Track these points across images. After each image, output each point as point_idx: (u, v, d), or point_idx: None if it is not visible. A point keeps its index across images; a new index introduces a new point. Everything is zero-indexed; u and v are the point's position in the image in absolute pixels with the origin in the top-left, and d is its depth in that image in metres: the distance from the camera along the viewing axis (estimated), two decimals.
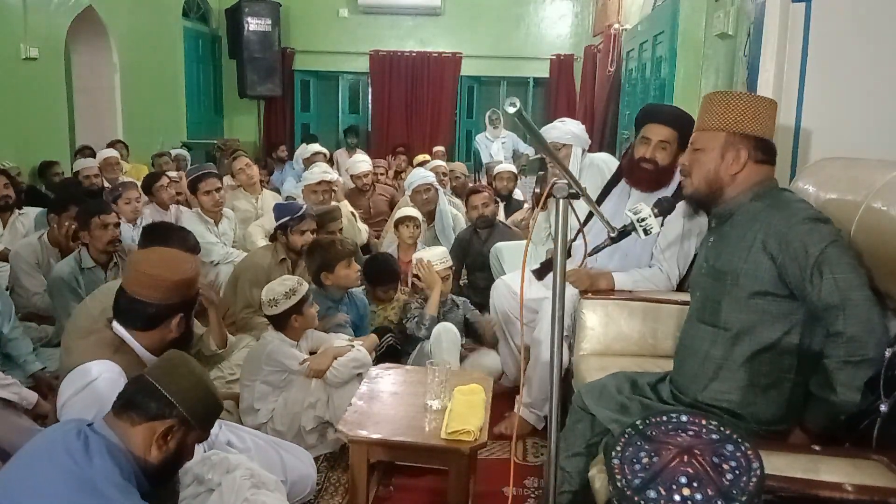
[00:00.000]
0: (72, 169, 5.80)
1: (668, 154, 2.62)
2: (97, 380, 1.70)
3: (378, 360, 2.93)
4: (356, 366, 2.68)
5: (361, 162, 5.50)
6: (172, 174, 5.28)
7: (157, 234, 2.81)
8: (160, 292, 1.84)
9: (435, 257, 3.31)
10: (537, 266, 2.89)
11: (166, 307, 1.86)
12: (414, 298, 3.34)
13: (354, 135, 8.28)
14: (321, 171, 4.60)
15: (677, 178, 2.70)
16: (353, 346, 2.75)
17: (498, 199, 4.76)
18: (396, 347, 3.14)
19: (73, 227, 3.40)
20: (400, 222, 4.07)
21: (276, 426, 2.62)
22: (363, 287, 3.51)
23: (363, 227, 4.72)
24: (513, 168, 5.65)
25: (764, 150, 1.78)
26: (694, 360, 1.84)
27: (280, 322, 2.69)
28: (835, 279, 1.59)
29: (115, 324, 1.87)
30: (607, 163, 3.28)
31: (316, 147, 6.34)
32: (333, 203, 4.43)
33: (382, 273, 3.47)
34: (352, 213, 4.69)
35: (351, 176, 5.44)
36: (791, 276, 1.65)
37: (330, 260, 3.10)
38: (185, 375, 1.53)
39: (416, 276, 3.31)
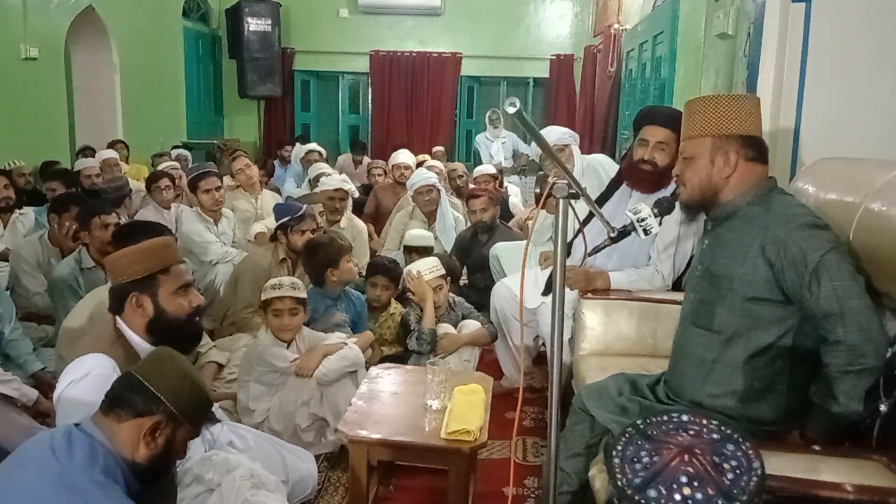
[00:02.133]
0: (72, 169, 5.81)
1: (667, 155, 2.63)
2: (88, 375, 1.70)
3: None
4: (346, 364, 2.68)
5: (402, 153, 5.58)
6: (173, 164, 5.34)
7: (126, 236, 2.76)
8: (113, 273, 1.90)
9: (425, 267, 3.22)
10: (542, 287, 2.93)
11: (121, 287, 1.86)
12: (411, 311, 3.27)
13: (362, 149, 8.01)
14: (340, 178, 4.61)
15: None
16: (344, 344, 2.75)
17: None
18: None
19: (74, 227, 3.40)
20: (413, 249, 3.94)
21: (272, 425, 2.62)
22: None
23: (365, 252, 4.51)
24: (490, 169, 5.70)
25: (753, 148, 1.77)
26: (688, 362, 1.83)
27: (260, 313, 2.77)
28: (833, 287, 1.58)
29: (117, 317, 1.88)
30: (604, 165, 3.29)
31: (312, 145, 6.35)
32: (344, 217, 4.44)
33: (380, 266, 3.45)
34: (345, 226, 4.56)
35: (391, 167, 5.59)
36: (788, 282, 1.64)
37: (334, 255, 3.10)
38: (171, 371, 1.51)
39: (408, 290, 3.25)
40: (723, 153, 1.76)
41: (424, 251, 3.93)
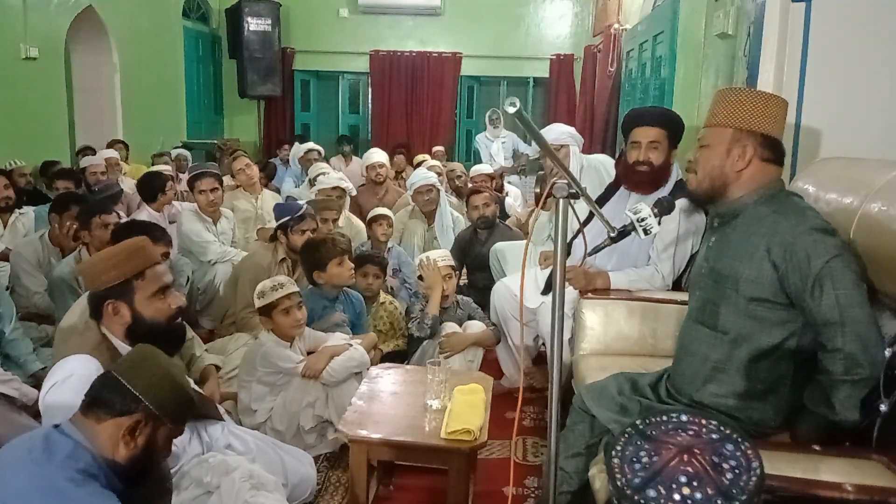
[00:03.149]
0: (72, 168, 5.80)
1: (661, 153, 2.64)
2: (71, 377, 1.70)
3: None
4: (353, 365, 2.69)
5: (376, 153, 5.54)
6: (164, 167, 5.37)
7: (125, 236, 2.78)
8: (88, 281, 1.89)
9: (438, 255, 3.32)
10: (542, 286, 2.98)
11: (97, 295, 1.85)
12: (416, 301, 3.33)
13: (348, 142, 8.03)
14: (338, 176, 4.62)
15: (674, 176, 2.71)
16: (350, 346, 2.76)
17: None
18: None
19: (74, 226, 3.41)
20: (373, 220, 4.14)
21: (274, 426, 2.62)
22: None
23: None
24: (487, 169, 5.70)
25: (771, 149, 1.77)
26: (692, 360, 1.83)
27: (262, 319, 2.75)
28: (836, 295, 1.58)
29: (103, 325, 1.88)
30: (605, 164, 3.29)
31: (310, 144, 6.32)
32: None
33: (367, 257, 3.52)
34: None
35: (366, 168, 5.48)
36: (792, 285, 1.64)
37: (321, 258, 3.10)
38: (150, 369, 1.50)
39: (419, 276, 3.32)
40: (740, 146, 1.76)
41: (383, 219, 4.10)
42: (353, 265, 3.20)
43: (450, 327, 3.16)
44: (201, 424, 2.04)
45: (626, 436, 1.26)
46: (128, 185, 5.26)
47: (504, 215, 5.16)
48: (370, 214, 4.23)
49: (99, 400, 1.45)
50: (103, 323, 1.85)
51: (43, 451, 1.38)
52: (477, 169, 5.70)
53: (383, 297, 3.51)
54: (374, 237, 4.12)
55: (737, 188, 1.79)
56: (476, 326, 3.20)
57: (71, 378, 1.69)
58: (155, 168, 5.31)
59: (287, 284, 2.70)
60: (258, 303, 2.69)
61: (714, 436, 1.21)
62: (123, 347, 1.85)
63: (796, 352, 1.69)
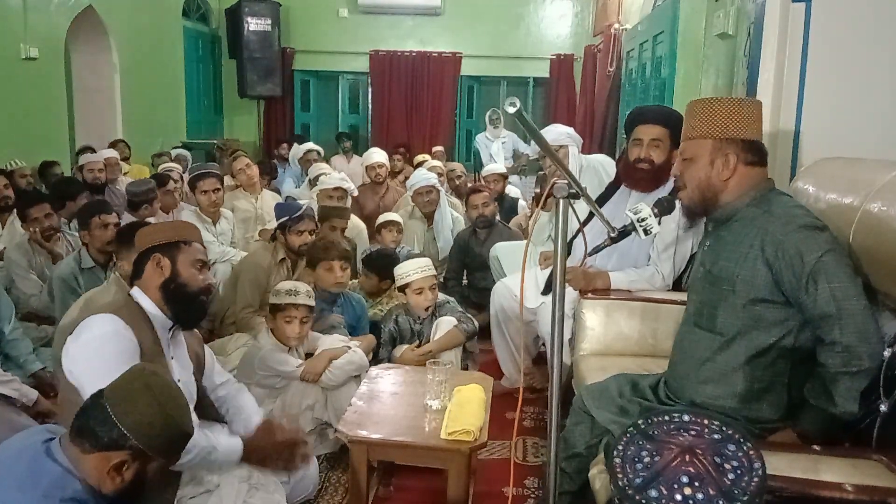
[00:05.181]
0: (72, 168, 5.80)
1: (662, 151, 2.64)
2: (93, 335, 1.75)
3: None
4: (352, 368, 2.69)
5: (376, 153, 5.53)
6: (172, 165, 5.39)
7: (130, 236, 2.80)
8: (140, 242, 1.99)
9: (417, 269, 3.06)
10: (542, 286, 2.97)
11: (146, 251, 1.95)
12: (388, 318, 3.19)
13: (347, 138, 7.99)
14: (339, 177, 4.62)
15: None
16: (349, 348, 2.75)
17: None
18: None
19: (37, 230, 3.47)
20: (382, 226, 4.14)
21: None
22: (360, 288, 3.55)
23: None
24: (500, 168, 5.70)
25: (753, 152, 1.78)
26: (690, 363, 1.83)
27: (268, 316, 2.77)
28: (831, 289, 1.59)
29: (134, 289, 1.93)
30: (604, 164, 3.29)
31: (310, 145, 6.30)
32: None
33: (373, 260, 3.55)
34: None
35: (365, 168, 5.45)
36: (786, 283, 1.64)
37: (312, 259, 3.11)
38: (144, 402, 1.40)
39: (399, 289, 3.17)
40: (723, 156, 1.77)
41: (392, 225, 4.14)
42: (342, 272, 3.12)
43: (398, 349, 3.03)
44: (204, 423, 2.04)
45: (628, 436, 1.26)
46: None
47: (513, 213, 5.17)
48: (379, 220, 4.21)
49: (86, 430, 1.38)
50: (140, 282, 1.92)
51: (29, 475, 1.33)
52: (490, 168, 5.66)
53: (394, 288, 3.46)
54: (383, 242, 4.09)
55: (727, 195, 1.80)
56: (446, 324, 3.02)
57: (92, 335, 1.75)
58: (164, 167, 5.31)
59: (302, 295, 2.68)
60: (271, 298, 2.71)
61: (716, 436, 1.21)
62: (151, 309, 1.89)
63: (794, 349, 1.69)
